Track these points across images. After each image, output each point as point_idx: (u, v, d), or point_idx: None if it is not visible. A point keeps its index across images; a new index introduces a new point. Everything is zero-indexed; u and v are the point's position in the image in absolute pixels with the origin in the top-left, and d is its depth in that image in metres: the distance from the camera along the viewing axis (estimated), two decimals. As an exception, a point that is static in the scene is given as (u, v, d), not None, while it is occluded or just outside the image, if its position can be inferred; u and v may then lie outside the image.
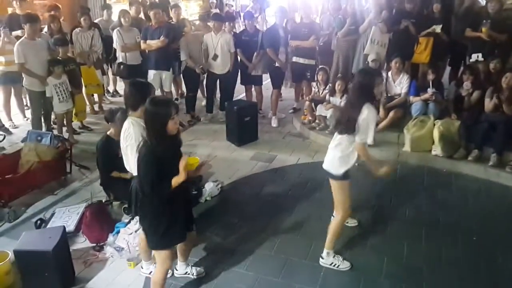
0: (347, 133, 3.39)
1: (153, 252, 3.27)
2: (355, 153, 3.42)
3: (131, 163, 3.24)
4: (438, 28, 6.32)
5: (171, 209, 2.92)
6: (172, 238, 3.04)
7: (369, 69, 4.91)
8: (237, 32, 7.43)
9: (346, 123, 3.39)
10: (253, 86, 7.30)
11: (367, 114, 3.28)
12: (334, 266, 3.64)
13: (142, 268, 3.63)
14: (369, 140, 3.36)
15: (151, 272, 3.50)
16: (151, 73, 6.83)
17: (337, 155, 3.47)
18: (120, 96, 8.54)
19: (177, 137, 2.91)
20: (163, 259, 3.06)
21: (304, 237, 4.04)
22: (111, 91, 8.70)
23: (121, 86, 8.56)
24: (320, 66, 6.85)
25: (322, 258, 3.69)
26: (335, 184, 3.54)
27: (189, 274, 3.53)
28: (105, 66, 7.69)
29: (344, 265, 3.64)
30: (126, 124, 3.24)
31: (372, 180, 5.01)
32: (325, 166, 3.57)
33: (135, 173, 3.09)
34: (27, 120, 6.93)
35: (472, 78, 5.60)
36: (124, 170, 3.57)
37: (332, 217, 3.90)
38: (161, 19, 6.72)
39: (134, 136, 3.12)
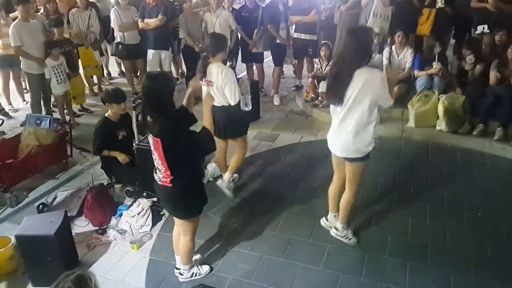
0: (334, 102, 3.19)
1: (183, 223, 3.18)
2: (369, 128, 3.20)
3: (228, 95, 3.94)
4: (439, 2, 6.14)
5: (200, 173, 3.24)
6: (202, 201, 3.18)
7: (360, 27, 4.76)
8: (236, 8, 7.26)
9: (338, 92, 3.13)
10: (254, 64, 7.17)
11: (370, 74, 3.06)
12: (346, 238, 3.65)
13: (181, 274, 3.35)
14: (391, 102, 3.18)
15: (193, 274, 3.35)
16: (150, 53, 6.74)
17: (350, 135, 3.20)
18: (121, 73, 8.40)
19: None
20: (195, 226, 3.18)
21: (308, 216, 4.01)
22: (117, 71, 8.56)
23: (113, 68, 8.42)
24: (322, 42, 6.72)
25: (337, 230, 3.67)
26: (353, 166, 3.35)
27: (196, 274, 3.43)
28: (104, 46, 7.58)
29: (353, 239, 3.65)
30: (215, 67, 3.94)
31: (375, 157, 4.99)
32: (341, 153, 3.32)
33: (233, 102, 3.94)
34: (26, 103, 6.87)
35: (470, 52, 5.46)
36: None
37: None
38: None
39: (229, 73, 3.89)
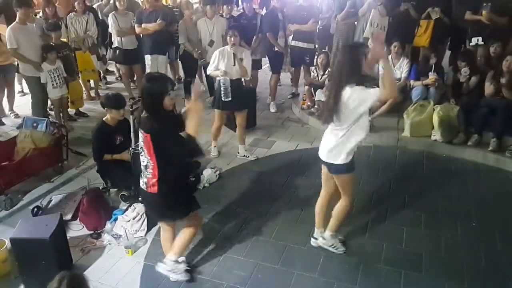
0: (327, 122, 3.18)
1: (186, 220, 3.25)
2: (351, 139, 3.18)
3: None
4: (434, 14, 6.21)
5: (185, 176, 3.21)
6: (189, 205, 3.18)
7: (354, 43, 4.76)
8: (234, 15, 7.30)
9: (328, 111, 3.13)
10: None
11: (351, 94, 3.00)
12: (334, 247, 3.63)
13: (164, 264, 3.34)
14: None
15: (172, 270, 3.34)
16: (148, 58, 6.71)
17: (331, 144, 3.26)
18: (119, 77, 8.37)
19: (175, 112, 3.06)
20: (195, 222, 3.28)
21: (303, 224, 4.01)
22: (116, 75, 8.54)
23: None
24: (322, 50, 6.77)
25: (324, 239, 3.64)
26: (339, 178, 3.39)
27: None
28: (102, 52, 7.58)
29: (341, 249, 3.65)
30: None
31: (371, 165, 5.04)
32: (324, 157, 3.35)
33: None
34: (10, 114, 6.74)
35: (465, 64, 5.53)
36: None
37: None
38: (154, 3, 6.58)
39: (214, 53, 5.02)
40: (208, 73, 5.21)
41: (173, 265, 3.31)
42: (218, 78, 4.96)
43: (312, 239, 3.75)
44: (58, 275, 2.03)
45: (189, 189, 3.27)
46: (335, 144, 3.24)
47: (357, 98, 3.00)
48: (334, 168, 3.34)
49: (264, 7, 8.63)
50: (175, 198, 3.07)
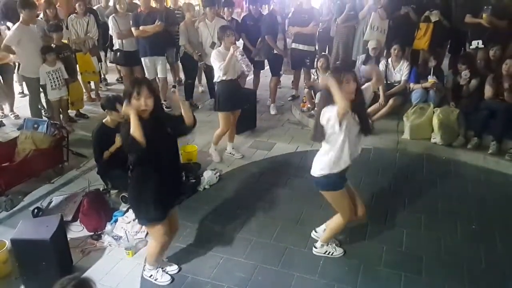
0: (318, 140, 3.20)
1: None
2: (336, 154, 3.13)
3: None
4: (433, 16, 6.23)
5: (156, 184, 2.97)
6: (162, 211, 3.07)
7: (342, 66, 4.82)
8: (235, 18, 7.31)
9: (315, 129, 3.18)
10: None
11: (324, 111, 3.03)
12: (328, 254, 3.63)
13: (144, 270, 3.43)
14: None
15: (151, 275, 3.37)
16: (146, 60, 6.69)
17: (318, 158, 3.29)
18: (120, 80, 8.39)
19: (156, 116, 2.92)
20: (156, 233, 3.13)
21: (303, 226, 4.02)
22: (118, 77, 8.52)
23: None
24: (322, 53, 6.79)
25: (315, 248, 3.66)
26: (324, 193, 3.37)
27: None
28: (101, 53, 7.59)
29: (338, 252, 3.64)
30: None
31: (371, 168, 5.05)
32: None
33: (214, 79, 5.01)
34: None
35: (465, 67, 5.54)
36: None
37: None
38: (148, 4, 6.57)
39: (213, 55, 4.90)
40: (221, 72, 4.84)
41: (150, 271, 3.38)
42: (237, 55, 4.78)
43: (313, 231, 3.84)
44: (63, 279, 1.98)
45: (156, 201, 3.00)
46: (316, 157, 3.30)
47: (325, 115, 3.03)
48: (313, 180, 3.36)
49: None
50: (138, 197, 3.04)
